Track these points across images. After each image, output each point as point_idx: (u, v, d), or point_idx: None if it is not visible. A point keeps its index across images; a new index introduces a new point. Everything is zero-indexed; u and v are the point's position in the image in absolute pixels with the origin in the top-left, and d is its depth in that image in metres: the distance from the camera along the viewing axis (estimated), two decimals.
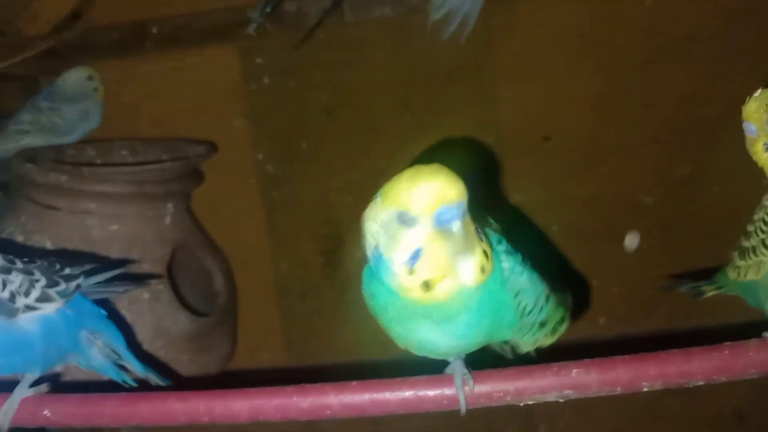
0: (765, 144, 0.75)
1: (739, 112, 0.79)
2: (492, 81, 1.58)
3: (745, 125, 0.77)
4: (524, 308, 0.72)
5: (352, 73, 1.60)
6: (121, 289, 0.97)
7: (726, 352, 0.71)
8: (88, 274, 0.90)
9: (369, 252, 0.68)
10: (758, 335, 0.76)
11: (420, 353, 0.74)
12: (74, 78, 1.50)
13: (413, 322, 0.69)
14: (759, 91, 0.76)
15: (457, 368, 0.74)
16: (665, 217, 1.58)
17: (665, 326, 1.60)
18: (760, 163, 0.77)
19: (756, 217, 0.78)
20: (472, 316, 0.68)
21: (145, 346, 1.22)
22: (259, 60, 1.60)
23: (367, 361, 1.53)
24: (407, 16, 1.54)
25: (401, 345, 0.74)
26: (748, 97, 0.76)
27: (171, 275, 1.32)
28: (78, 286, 0.87)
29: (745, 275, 0.78)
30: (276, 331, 1.66)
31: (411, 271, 0.65)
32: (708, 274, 0.97)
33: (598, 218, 1.59)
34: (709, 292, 0.96)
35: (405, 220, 0.64)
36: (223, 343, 1.40)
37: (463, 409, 0.74)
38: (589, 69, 1.56)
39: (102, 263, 1.00)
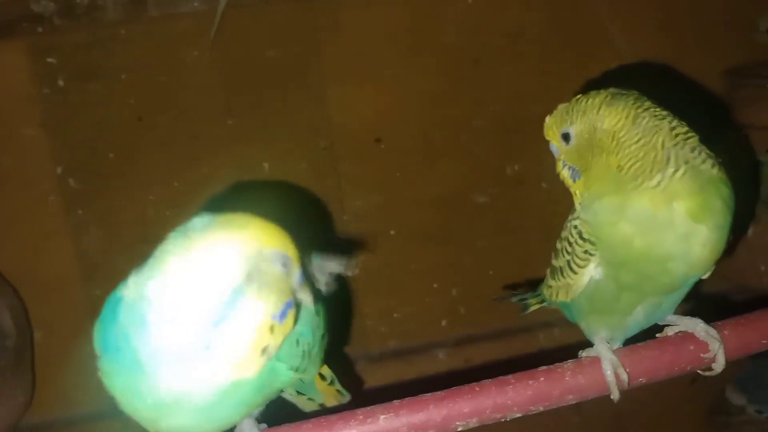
0: (563, 162, 0.69)
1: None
2: (320, 82, 1.49)
3: (550, 146, 0.72)
4: (304, 351, 0.63)
5: (165, 74, 1.44)
6: None
7: (541, 379, 0.66)
8: None
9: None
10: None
11: None
12: None
13: (170, 407, 0.57)
14: (558, 107, 0.71)
15: (245, 429, 0.62)
16: (499, 216, 1.58)
17: (505, 323, 1.60)
18: (566, 183, 0.71)
19: (563, 234, 0.72)
20: (244, 396, 0.57)
21: None
22: (51, 60, 1.40)
23: None
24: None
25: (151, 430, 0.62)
26: (547, 117, 0.70)
27: None
28: None
29: (557, 296, 0.73)
30: (92, 368, 1.47)
31: (273, 328, 0.53)
32: (535, 285, 0.93)
33: (434, 219, 1.56)
34: (533, 305, 0.92)
35: (286, 264, 0.54)
36: (15, 391, 1.21)
37: None
38: (418, 68, 1.51)
39: None
